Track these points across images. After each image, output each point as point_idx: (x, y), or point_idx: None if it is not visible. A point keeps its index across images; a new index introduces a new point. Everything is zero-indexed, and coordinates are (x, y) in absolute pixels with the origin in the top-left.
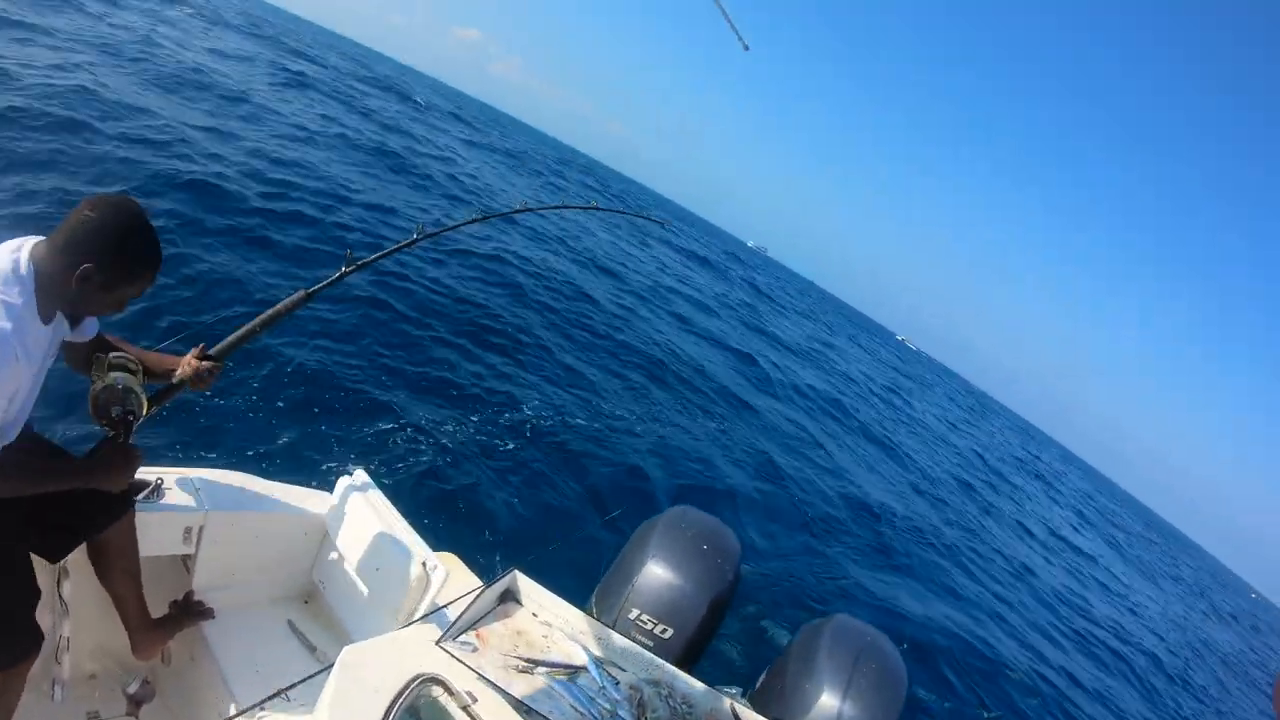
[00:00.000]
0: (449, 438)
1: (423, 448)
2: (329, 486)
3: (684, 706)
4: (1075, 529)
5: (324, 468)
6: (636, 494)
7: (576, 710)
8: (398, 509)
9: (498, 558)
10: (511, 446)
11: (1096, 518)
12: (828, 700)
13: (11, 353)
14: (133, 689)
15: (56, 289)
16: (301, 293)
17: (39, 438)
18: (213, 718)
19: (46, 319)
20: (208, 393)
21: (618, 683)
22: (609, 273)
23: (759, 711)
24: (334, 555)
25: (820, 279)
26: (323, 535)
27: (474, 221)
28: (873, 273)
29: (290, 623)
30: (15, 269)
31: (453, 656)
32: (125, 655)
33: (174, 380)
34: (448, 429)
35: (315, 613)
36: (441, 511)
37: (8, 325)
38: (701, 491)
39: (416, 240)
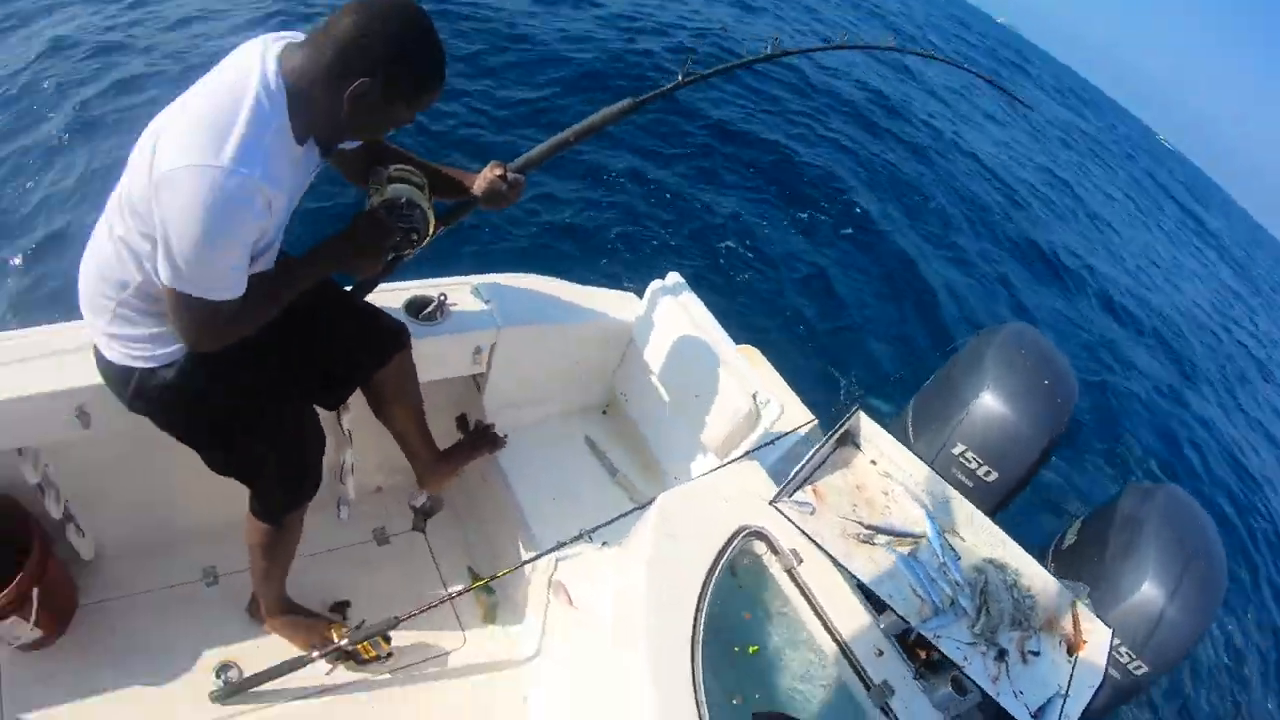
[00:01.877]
0: (777, 243)
1: (749, 253)
2: (639, 290)
3: (1027, 599)
4: None
5: (634, 270)
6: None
7: (916, 594)
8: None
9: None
10: (843, 253)
11: None
12: (1151, 591)
13: (257, 199)
14: (419, 501)
15: (318, 108)
16: (628, 101)
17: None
18: (504, 538)
19: (302, 139)
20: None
21: (958, 558)
22: None
23: (1062, 573)
24: (640, 367)
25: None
26: (628, 342)
27: (837, 48)
28: None
29: (588, 439)
30: (262, 88)
31: (788, 519)
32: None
33: (467, 197)
34: (778, 234)
35: (615, 427)
36: (757, 312)
37: (252, 170)
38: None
39: (770, 56)
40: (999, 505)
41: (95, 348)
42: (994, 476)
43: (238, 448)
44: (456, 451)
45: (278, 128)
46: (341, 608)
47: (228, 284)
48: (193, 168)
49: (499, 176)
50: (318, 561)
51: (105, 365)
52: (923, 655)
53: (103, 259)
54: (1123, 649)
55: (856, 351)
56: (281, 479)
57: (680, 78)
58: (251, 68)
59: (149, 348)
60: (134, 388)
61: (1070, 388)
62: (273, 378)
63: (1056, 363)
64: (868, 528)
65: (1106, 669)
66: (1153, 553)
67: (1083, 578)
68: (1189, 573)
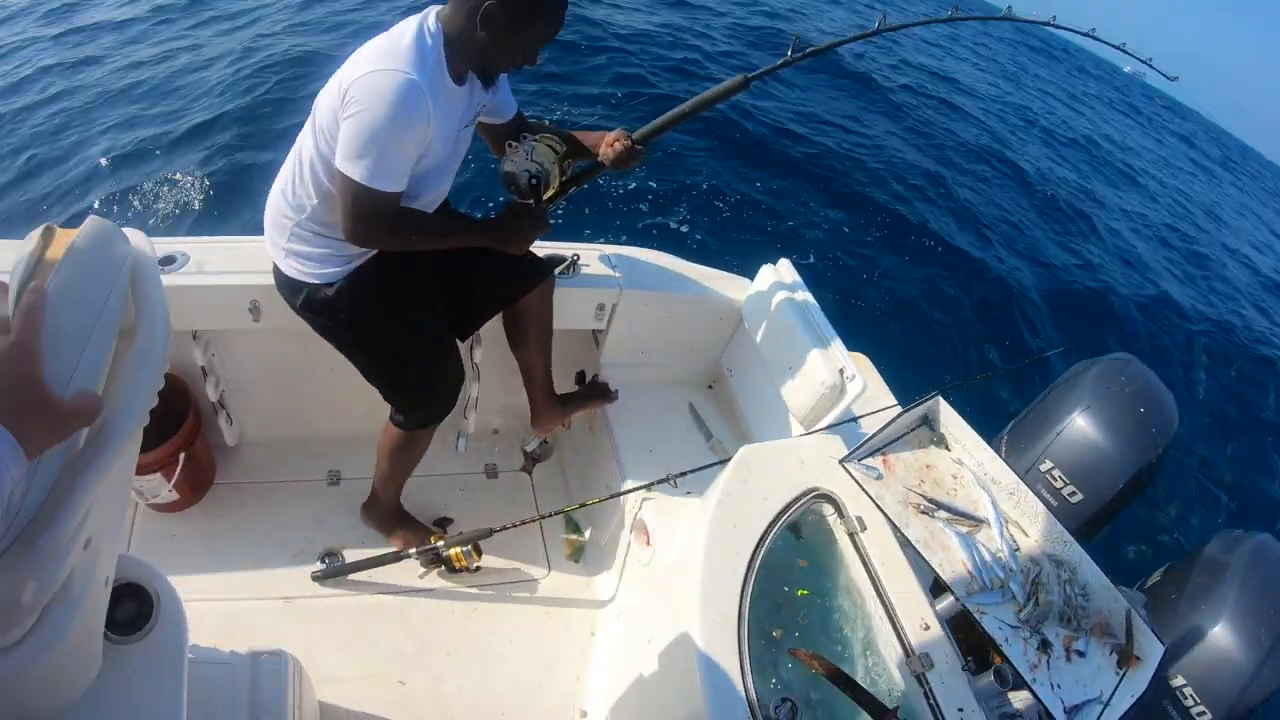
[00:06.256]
0: (887, 242)
1: (859, 248)
2: (750, 274)
3: (1080, 598)
4: None
5: (748, 255)
6: (1083, 331)
7: (967, 569)
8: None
9: (912, 375)
10: (962, 261)
11: None
12: (1223, 636)
13: (422, 102)
14: (531, 447)
15: (464, 42)
16: (739, 77)
17: (454, 212)
18: (600, 487)
19: (459, 79)
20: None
21: (1017, 549)
22: None
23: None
24: (746, 345)
25: None
26: (737, 322)
27: (943, 20)
28: None
29: (691, 406)
30: (423, 30)
31: (854, 479)
32: (529, 416)
33: (596, 160)
34: (887, 233)
35: (718, 399)
36: (864, 315)
37: (420, 77)
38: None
39: (877, 31)
40: (1084, 528)
41: (274, 262)
42: (1079, 497)
43: (385, 360)
44: (571, 399)
45: (437, 59)
46: (444, 523)
47: (390, 176)
48: (374, 72)
49: (626, 146)
50: (431, 483)
51: (280, 277)
52: (972, 657)
53: (287, 184)
54: (1188, 690)
55: (953, 364)
56: (419, 393)
57: (790, 53)
58: (412, 20)
59: (318, 266)
60: (303, 299)
61: (1167, 419)
62: (423, 301)
63: (1155, 393)
64: (930, 501)
65: (1151, 684)
66: (1231, 597)
67: (1161, 616)
68: (1267, 623)
